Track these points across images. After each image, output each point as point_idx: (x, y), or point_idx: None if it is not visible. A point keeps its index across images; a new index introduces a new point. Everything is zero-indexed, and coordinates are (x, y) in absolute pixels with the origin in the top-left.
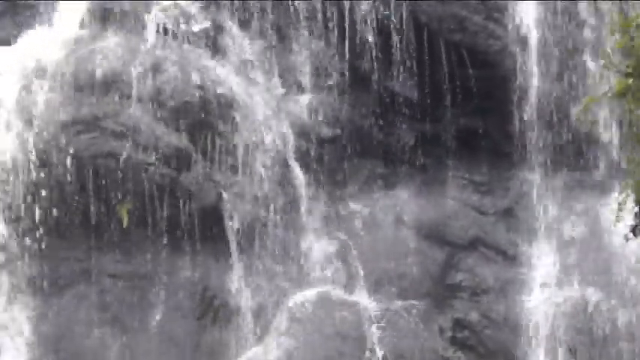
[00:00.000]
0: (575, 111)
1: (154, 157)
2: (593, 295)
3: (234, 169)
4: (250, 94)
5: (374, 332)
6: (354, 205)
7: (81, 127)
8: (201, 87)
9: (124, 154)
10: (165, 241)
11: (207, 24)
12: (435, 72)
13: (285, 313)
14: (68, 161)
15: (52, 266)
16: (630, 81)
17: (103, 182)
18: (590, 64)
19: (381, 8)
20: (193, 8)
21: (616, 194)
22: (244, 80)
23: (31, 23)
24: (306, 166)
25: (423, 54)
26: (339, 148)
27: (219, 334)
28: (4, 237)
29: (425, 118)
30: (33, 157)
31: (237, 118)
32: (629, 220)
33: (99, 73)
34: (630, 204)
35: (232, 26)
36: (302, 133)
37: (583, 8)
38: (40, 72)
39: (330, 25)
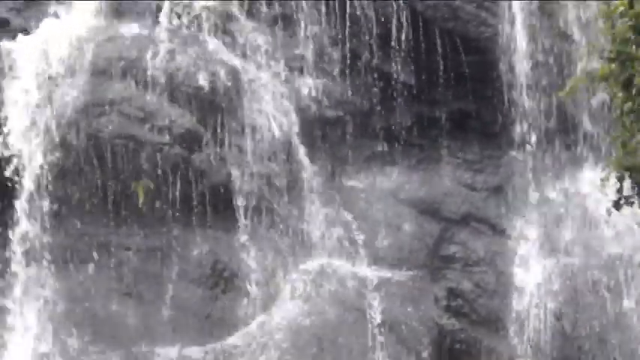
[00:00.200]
0: (562, 92)
1: (167, 138)
2: (577, 264)
3: (242, 149)
4: (257, 79)
5: (374, 300)
6: (355, 182)
7: (100, 109)
8: (212, 73)
9: (140, 136)
10: (178, 216)
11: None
12: (431, 58)
13: (289, 283)
14: (87, 142)
15: (72, 241)
16: (613, 66)
17: (121, 162)
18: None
19: None
20: None
21: (600, 171)
22: (252, 66)
23: (50, 12)
24: (310, 147)
25: (419, 41)
26: (341, 129)
27: (229, 303)
28: (26, 213)
29: (421, 101)
30: (55, 138)
31: (245, 102)
32: (611, 195)
33: (115, 59)
34: (612, 180)
35: (241, 15)
36: (306, 115)
37: None
38: (60, 59)
39: (333, 15)
